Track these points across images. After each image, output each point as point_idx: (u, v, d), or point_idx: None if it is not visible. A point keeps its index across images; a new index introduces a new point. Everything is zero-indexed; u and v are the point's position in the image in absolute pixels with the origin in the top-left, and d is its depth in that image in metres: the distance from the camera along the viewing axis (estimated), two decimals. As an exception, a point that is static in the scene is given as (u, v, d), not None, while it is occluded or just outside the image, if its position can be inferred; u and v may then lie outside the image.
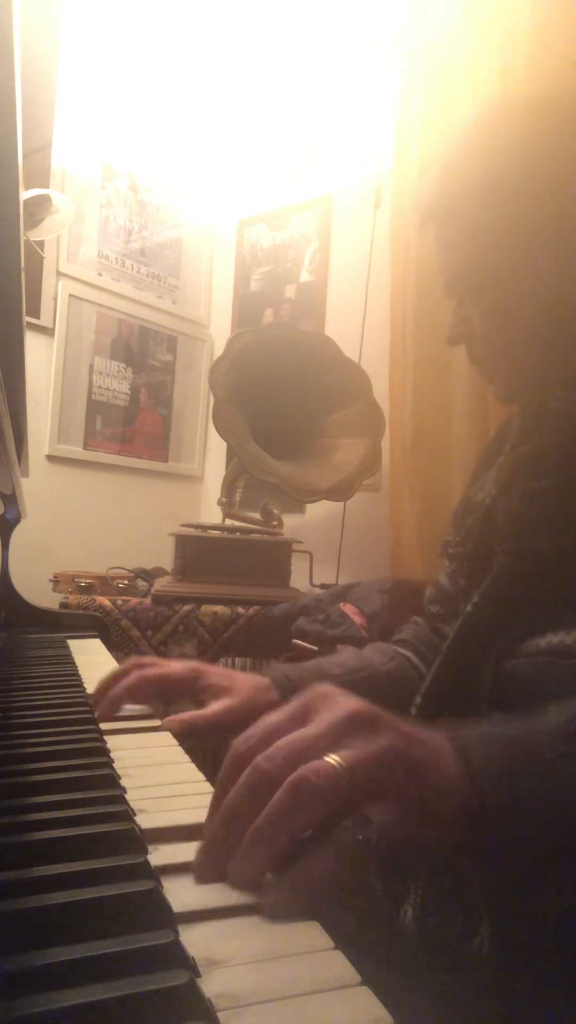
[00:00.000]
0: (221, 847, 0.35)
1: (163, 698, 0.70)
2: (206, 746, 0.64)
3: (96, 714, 0.64)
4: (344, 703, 0.38)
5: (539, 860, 0.37)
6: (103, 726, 0.60)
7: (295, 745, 0.36)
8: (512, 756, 0.38)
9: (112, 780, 0.46)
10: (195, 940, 0.29)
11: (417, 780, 0.35)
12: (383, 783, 0.34)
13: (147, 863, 0.34)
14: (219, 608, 1.61)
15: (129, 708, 0.66)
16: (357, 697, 0.39)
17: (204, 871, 0.35)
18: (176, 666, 0.69)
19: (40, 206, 1.93)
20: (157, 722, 0.65)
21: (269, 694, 0.68)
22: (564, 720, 0.40)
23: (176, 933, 0.28)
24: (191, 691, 0.69)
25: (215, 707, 0.65)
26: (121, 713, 0.65)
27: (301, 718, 0.38)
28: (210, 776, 0.48)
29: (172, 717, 0.63)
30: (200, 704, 0.68)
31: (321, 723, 0.37)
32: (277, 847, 0.33)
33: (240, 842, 0.34)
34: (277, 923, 0.31)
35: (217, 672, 0.69)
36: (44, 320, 2.10)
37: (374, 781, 0.34)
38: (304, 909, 0.31)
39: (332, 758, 0.34)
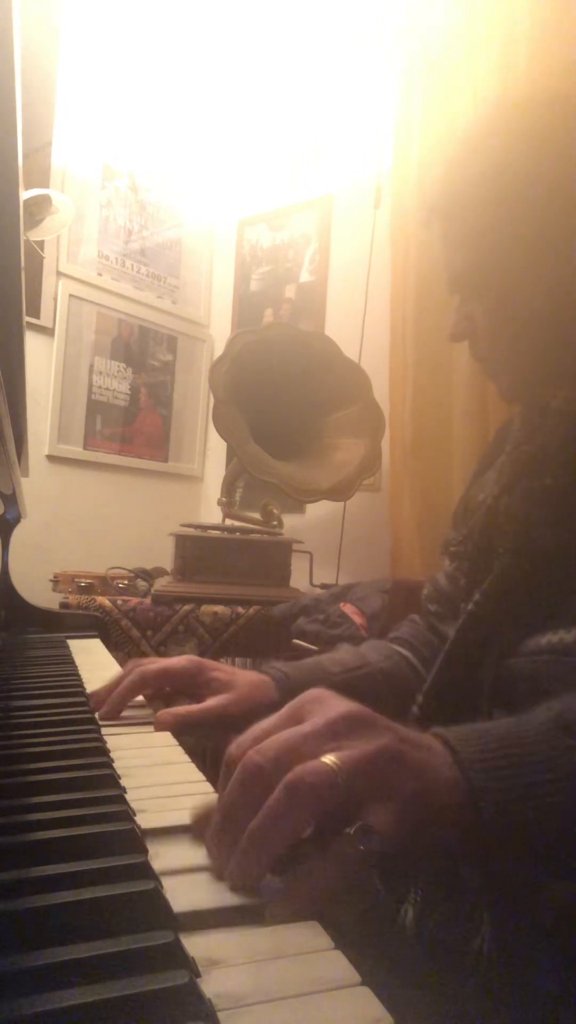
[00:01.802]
0: (221, 847, 0.35)
1: (165, 693, 0.70)
2: (206, 744, 0.64)
3: (97, 715, 0.64)
4: (338, 704, 0.38)
5: (537, 855, 0.37)
6: (103, 724, 0.60)
7: (288, 740, 0.36)
8: (503, 753, 0.38)
9: (112, 780, 0.46)
10: (195, 940, 0.29)
11: (412, 780, 0.35)
12: (378, 783, 0.34)
13: (147, 863, 0.34)
14: (219, 608, 1.61)
15: (129, 711, 0.66)
16: (351, 699, 0.39)
17: (212, 870, 0.35)
18: (177, 660, 0.69)
19: (40, 206, 1.93)
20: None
21: (267, 691, 0.69)
22: (554, 715, 0.40)
23: (176, 933, 0.28)
24: (192, 684, 0.69)
25: (212, 702, 0.65)
26: (124, 713, 0.65)
27: (295, 720, 0.38)
28: (210, 776, 0.48)
29: (165, 711, 0.63)
30: (199, 699, 0.68)
31: (316, 722, 0.37)
32: (275, 848, 0.33)
33: (237, 839, 0.34)
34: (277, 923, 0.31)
35: (218, 667, 0.69)
36: (44, 320, 2.10)
37: (369, 781, 0.34)
38: (305, 917, 0.31)
39: (327, 758, 0.34)
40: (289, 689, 0.68)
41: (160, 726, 0.62)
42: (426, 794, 0.35)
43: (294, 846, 0.34)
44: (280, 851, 0.34)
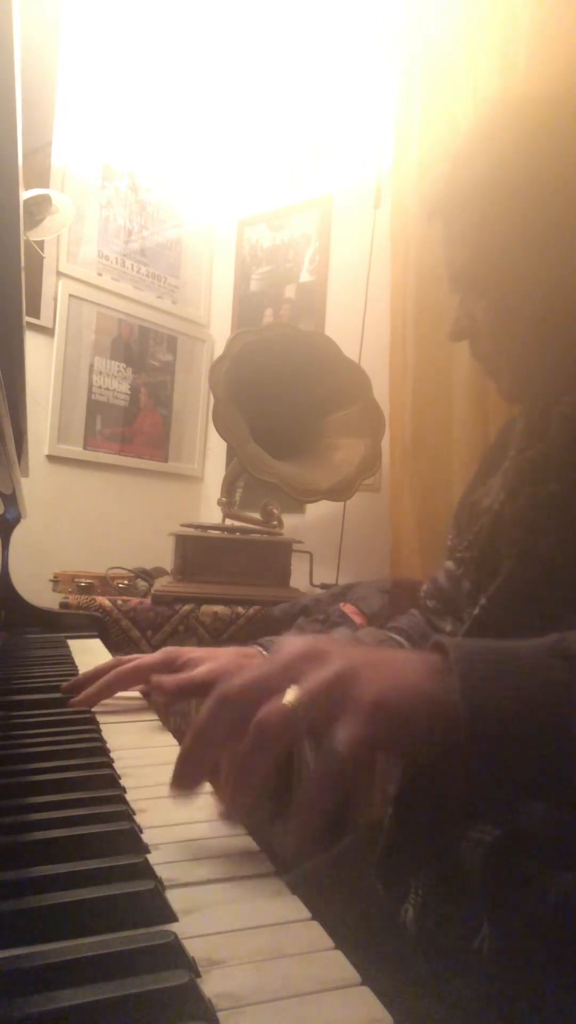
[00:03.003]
0: (193, 765, 0.40)
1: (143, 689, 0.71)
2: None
3: (71, 701, 0.65)
4: (299, 640, 0.42)
5: (513, 767, 0.38)
6: (103, 724, 0.60)
7: (252, 676, 0.40)
8: (494, 660, 0.39)
9: (112, 780, 0.46)
10: (195, 939, 0.29)
11: (371, 692, 0.38)
12: (335, 704, 0.37)
13: (147, 863, 0.34)
14: (219, 608, 1.61)
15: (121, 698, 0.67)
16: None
17: (179, 786, 0.40)
18: (151, 655, 0.69)
19: (40, 206, 1.93)
20: (156, 718, 0.65)
21: (253, 658, 0.69)
22: (551, 641, 0.42)
23: (176, 933, 0.28)
24: (170, 672, 0.68)
25: (199, 669, 0.64)
26: (116, 702, 0.66)
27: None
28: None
29: (159, 677, 0.63)
30: None
31: (278, 658, 0.41)
32: (253, 784, 0.37)
33: (208, 759, 0.39)
34: (277, 923, 0.31)
35: (194, 649, 0.69)
36: (44, 320, 2.10)
37: (327, 705, 0.37)
38: (311, 843, 0.35)
39: (287, 695, 0.38)
40: None
41: (156, 690, 0.62)
42: (390, 697, 0.38)
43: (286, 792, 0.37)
44: (258, 787, 0.37)
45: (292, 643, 0.42)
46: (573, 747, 0.37)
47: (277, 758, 0.37)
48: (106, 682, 0.67)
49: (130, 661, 0.69)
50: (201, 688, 0.61)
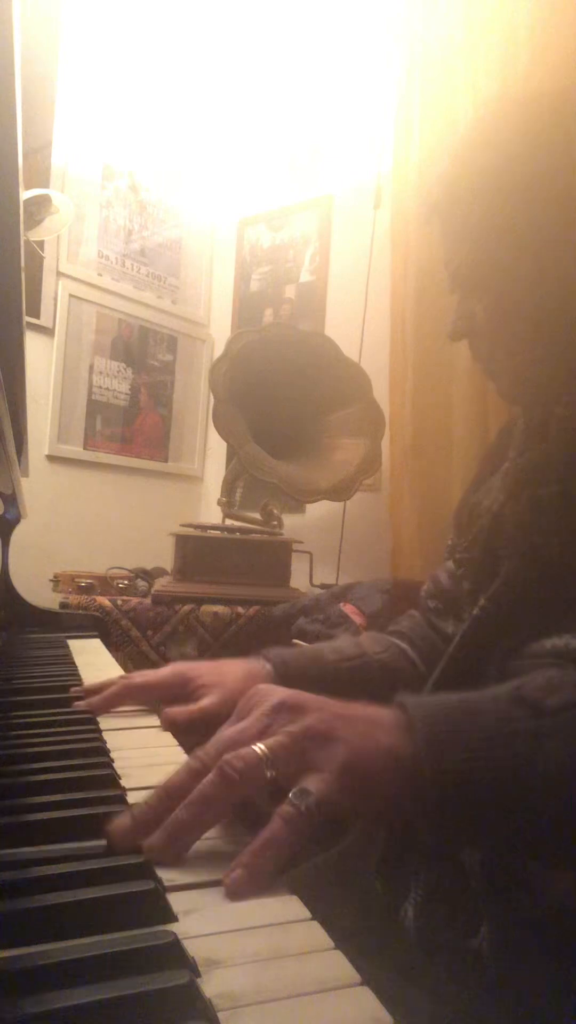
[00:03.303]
0: (150, 821, 0.37)
1: (150, 704, 0.70)
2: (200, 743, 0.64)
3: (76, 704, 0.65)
4: (273, 694, 0.42)
5: (482, 819, 0.39)
6: (103, 726, 0.60)
7: (228, 737, 0.40)
8: (453, 717, 0.40)
9: (112, 780, 0.46)
10: (195, 939, 0.29)
11: (343, 749, 0.38)
12: (307, 758, 0.38)
13: (147, 863, 0.34)
14: (219, 608, 1.61)
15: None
16: (348, 688, 0.43)
17: (123, 840, 0.36)
18: (161, 675, 0.68)
19: (40, 206, 1.93)
20: (156, 719, 0.65)
21: (262, 681, 0.68)
22: (511, 688, 0.43)
23: (176, 933, 0.28)
24: (179, 698, 0.67)
25: (206, 701, 0.63)
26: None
27: (241, 718, 0.43)
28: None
29: (171, 710, 0.63)
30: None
31: (252, 715, 0.41)
32: (202, 825, 0.37)
33: (168, 814, 0.37)
34: (277, 923, 0.31)
35: (205, 671, 0.68)
36: (44, 320, 2.10)
37: (293, 759, 0.38)
38: (262, 886, 0.34)
39: (257, 746, 0.38)
40: (287, 676, 0.67)
41: (167, 724, 0.62)
42: (359, 756, 0.38)
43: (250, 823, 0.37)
44: (206, 828, 0.37)
45: (265, 694, 0.43)
46: (545, 792, 0.38)
47: (232, 803, 0.37)
48: (113, 692, 0.66)
49: (137, 677, 0.69)
50: (212, 719, 0.61)
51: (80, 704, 0.65)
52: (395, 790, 0.38)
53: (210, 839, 0.39)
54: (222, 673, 0.68)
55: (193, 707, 0.64)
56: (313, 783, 0.36)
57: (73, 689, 0.69)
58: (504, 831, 0.40)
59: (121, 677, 0.69)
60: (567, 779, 0.38)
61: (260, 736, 0.39)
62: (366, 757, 0.38)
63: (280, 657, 0.71)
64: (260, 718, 0.41)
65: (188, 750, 0.57)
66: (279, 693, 0.42)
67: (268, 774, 0.37)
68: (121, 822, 0.37)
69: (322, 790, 0.36)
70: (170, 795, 0.38)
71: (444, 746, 0.39)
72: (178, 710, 0.63)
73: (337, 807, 0.37)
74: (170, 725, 0.62)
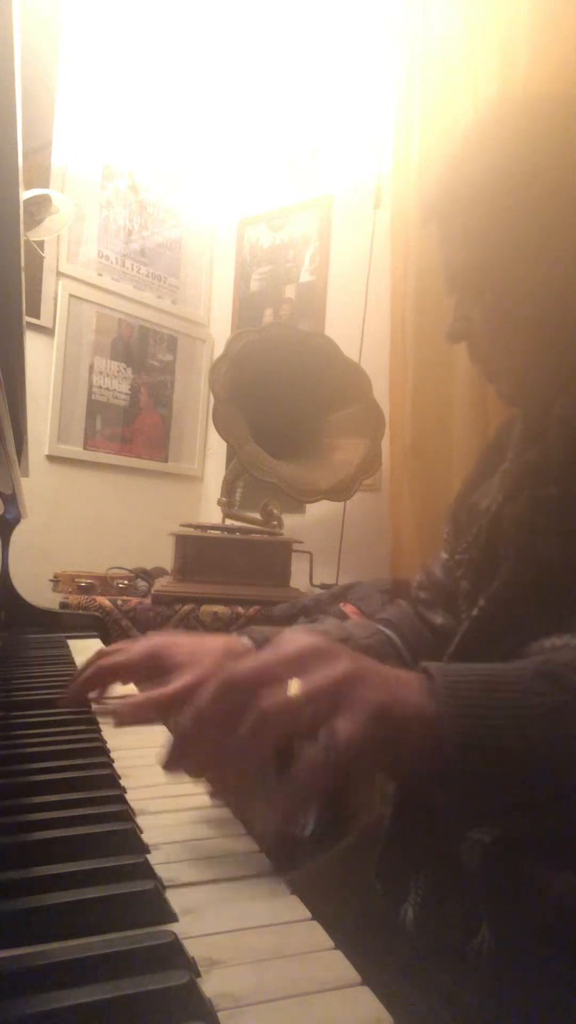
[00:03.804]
0: (190, 746, 0.40)
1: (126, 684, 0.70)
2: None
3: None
4: (307, 636, 0.42)
5: (496, 791, 0.39)
6: (104, 724, 0.60)
7: (259, 665, 0.40)
8: (479, 686, 0.40)
9: (112, 780, 0.46)
10: (195, 939, 0.29)
11: (375, 695, 0.38)
12: (340, 701, 0.38)
13: (147, 863, 0.34)
14: (219, 608, 1.61)
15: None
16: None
17: (175, 765, 0.40)
18: (135, 651, 0.67)
19: (40, 206, 1.93)
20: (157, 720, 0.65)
21: (240, 657, 0.66)
22: (539, 662, 0.43)
23: (176, 933, 0.28)
24: (154, 677, 0.65)
25: (180, 682, 0.59)
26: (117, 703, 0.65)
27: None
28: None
29: (123, 703, 0.61)
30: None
31: (284, 650, 0.41)
32: (246, 770, 0.38)
33: (204, 741, 0.40)
34: (277, 923, 0.31)
35: (181, 649, 0.66)
36: (44, 320, 2.10)
37: (331, 700, 0.38)
38: (291, 821, 0.36)
39: (292, 686, 0.38)
40: None
41: (119, 721, 0.60)
42: (390, 708, 0.38)
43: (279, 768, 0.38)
44: (250, 772, 0.38)
45: (297, 637, 0.42)
46: (566, 769, 0.38)
47: (273, 748, 0.38)
48: (87, 676, 0.67)
49: (111, 655, 0.68)
50: (177, 703, 0.58)
51: (62, 699, 0.65)
52: (416, 749, 0.38)
53: (211, 839, 0.39)
54: (199, 651, 0.67)
55: (158, 694, 0.60)
56: (344, 724, 0.36)
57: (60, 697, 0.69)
58: (517, 805, 0.40)
59: (96, 654, 0.69)
60: None
61: (291, 674, 0.39)
62: (395, 710, 0.38)
63: (262, 635, 0.70)
64: (295, 656, 0.40)
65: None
66: (314, 637, 0.42)
67: (303, 720, 0.37)
68: (171, 750, 0.40)
69: (353, 733, 0.36)
70: (206, 722, 0.39)
71: (466, 715, 0.38)
72: (127, 704, 0.61)
73: (362, 755, 0.37)
74: (121, 723, 0.60)
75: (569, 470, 0.57)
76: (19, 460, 1.07)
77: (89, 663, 0.68)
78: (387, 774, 0.44)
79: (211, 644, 0.69)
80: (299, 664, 0.40)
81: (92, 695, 0.69)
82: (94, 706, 0.67)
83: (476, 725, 0.38)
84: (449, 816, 0.48)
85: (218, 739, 0.39)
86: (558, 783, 0.38)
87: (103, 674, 0.67)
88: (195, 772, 0.41)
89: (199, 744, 0.40)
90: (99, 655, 0.69)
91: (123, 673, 0.68)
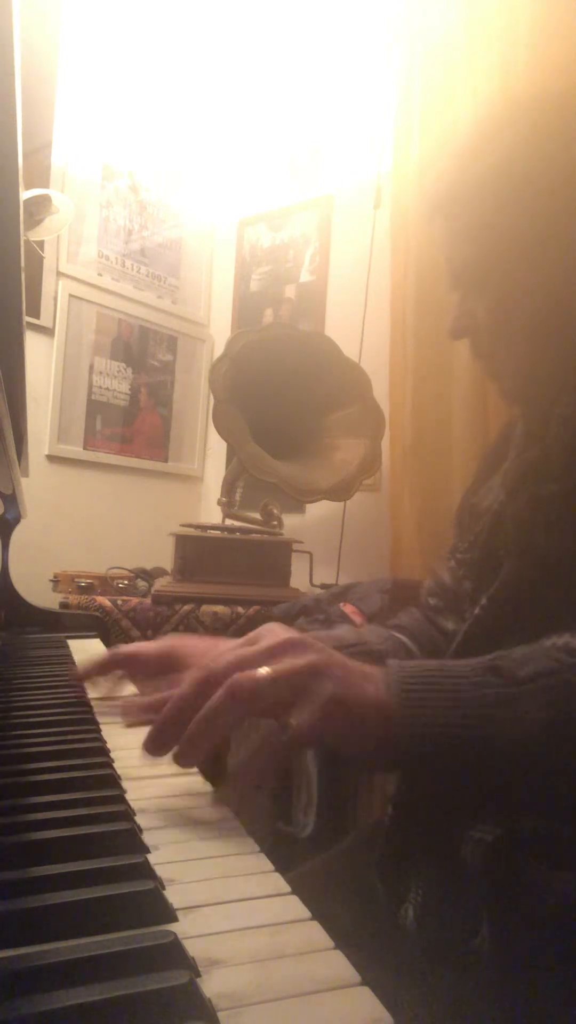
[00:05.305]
0: (169, 730, 0.43)
1: (136, 678, 0.71)
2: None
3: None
4: (283, 632, 0.47)
5: (447, 776, 0.43)
6: (104, 725, 0.60)
7: (238, 656, 0.44)
8: (430, 680, 0.44)
9: (112, 780, 0.46)
10: (195, 939, 0.29)
11: (332, 688, 0.42)
12: (302, 688, 0.42)
13: (147, 863, 0.34)
14: (219, 608, 1.61)
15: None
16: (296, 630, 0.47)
17: (154, 747, 0.44)
18: (152, 647, 0.69)
19: (40, 206, 1.93)
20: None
21: None
22: (488, 658, 0.46)
23: (176, 933, 0.28)
24: (167, 673, 0.64)
25: (183, 686, 0.62)
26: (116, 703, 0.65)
27: (248, 646, 0.47)
28: (210, 775, 0.49)
29: (129, 701, 0.60)
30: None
31: (261, 644, 0.45)
32: (215, 735, 0.42)
33: (181, 730, 0.43)
34: (277, 923, 0.31)
35: (197, 649, 0.66)
36: (44, 320, 2.10)
37: (295, 686, 0.42)
38: (251, 786, 0.41)
39: (263, 669, 0.42)
40: None
41: (127, 718, 0.58)
42: (344, 699, 0.42)
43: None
44: (218, 739, 0.42)
45: (276, 632, 0.47)
46: (510, 755, 0.41)
47: (238, 720, 0.42)
48: (103, 659, 0.68)
49: (127, 646, 0.70)
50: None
51: (71, 674, 0.67)
52: (370, 735, 0.42)
53: (212, 839, 0.39)
54: (214, 654, 0.67)
55: (166, 694, 0.60)
56: (300, 712, 0.41)
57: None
58: (464, 789, 0.44)
59: (112, 649, 0.71)
60: (531, 745, 0.41)
61: (267, 662, 0.43)
62: (351, 700, 0.42)
63: (260, 631, 0.70)
64: (269, 649, 0.45)
65: None
66: (288, 631, 0.47)
67: (268, 698, 0.41)
68: (151, 733, 0.44)
69: (305, 721, 0.41)
70: (182, 709, 0.43)
71: (416, 704, 0.42)
72: (131, 704, 0.59)
73: (314, 739, 0.42)
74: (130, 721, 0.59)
75: (570, 468, 0.57)
76: (19, 460, 1.07)
77: (104, 656, 0.70)
78: (350, 758, 0.48)
79: (228, 645, 0.69)
80: (272, 655, 0.44)
81: (102, 684, 0.70)
82: (101, 703, 0.67)
83: (422, 714, 0.42)
84: (397, 794, 0.53)
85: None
86: (503, 765, 0.41)
87: (118, 660, 0.68)
88: (171, 751, 0.44)
89: (177, 728, 0.43)
90: (116, 648, 0.70)
91: (137, 663, 0.68)
